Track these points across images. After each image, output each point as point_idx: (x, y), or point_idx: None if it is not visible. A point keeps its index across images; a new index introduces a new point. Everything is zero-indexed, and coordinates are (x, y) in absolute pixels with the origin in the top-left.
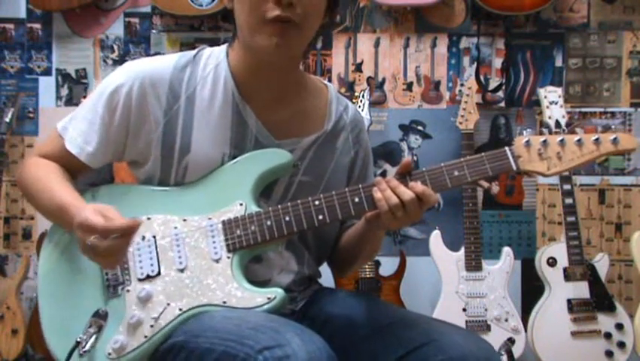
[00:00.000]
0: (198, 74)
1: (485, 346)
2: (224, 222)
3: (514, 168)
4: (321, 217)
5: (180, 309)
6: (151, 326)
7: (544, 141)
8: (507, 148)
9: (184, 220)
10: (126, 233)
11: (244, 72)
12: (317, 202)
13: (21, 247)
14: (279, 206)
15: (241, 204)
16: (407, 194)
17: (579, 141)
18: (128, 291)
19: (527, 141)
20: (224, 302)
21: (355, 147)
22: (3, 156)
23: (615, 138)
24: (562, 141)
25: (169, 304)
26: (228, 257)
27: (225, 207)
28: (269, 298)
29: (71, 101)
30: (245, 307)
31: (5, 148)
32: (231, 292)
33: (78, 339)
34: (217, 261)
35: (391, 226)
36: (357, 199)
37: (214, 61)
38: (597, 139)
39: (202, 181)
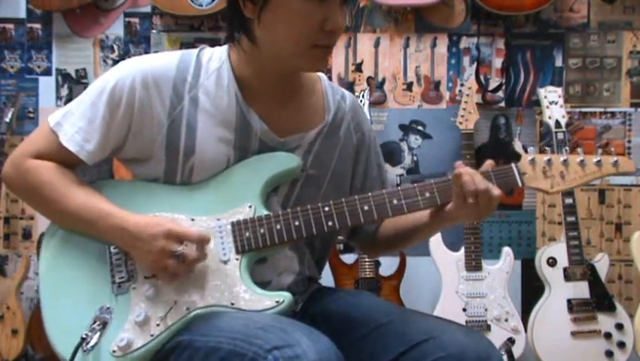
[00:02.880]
0: (201, 76)
1: (484, 342)
2: (232, 224)
3: (519, 184)
4: (330, 224)
5: (187, 308)
6: (157, 325)
7: (549, 160)
8: (513, 165)
9: (192, 220)
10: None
11: (248, 76)
12: (327, 208)
13: (21, 247)
14: (289, 210)
15: (250, 207)
16: (484, 183)
17: (582, 161)
18: (134, 288)
19: (532, 159)
20: (232, 304)
21: (356, 134)
22: (3, 156)
23: (616, 161)
24: (565, 161)
25: (175, 303)
26: (237, 259)
27: (234, 209)
28: (277, 302)
29: (71, 101)
30: (252, 310)
31: (5, 148)
32: (239, 294)
33: (83, 335)
34: (225, 262)
35: (457, 219)
36: (366, 207)
37: (216, 62)
38: (599, 161)
39: (211, 181)
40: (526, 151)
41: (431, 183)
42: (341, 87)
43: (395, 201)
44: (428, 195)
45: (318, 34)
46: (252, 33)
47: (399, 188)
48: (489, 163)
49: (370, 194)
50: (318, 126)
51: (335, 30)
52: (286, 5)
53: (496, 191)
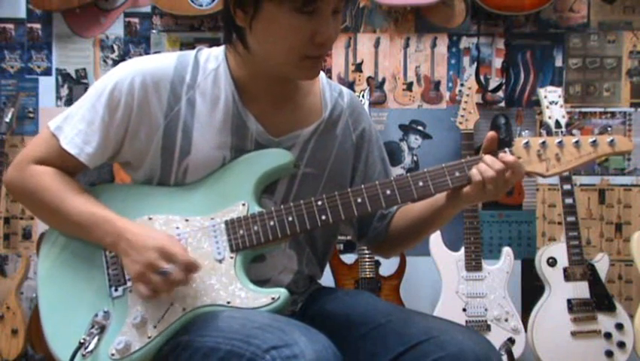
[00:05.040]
0: (199, 76)
1: (484, 343)
2: (226, 223)
3: None
4: (324, 217)
5: (183, 309)
6: (155, 327)
7: (543, 143)
8: (507, 149)
9: (186, 220)
10: (191, 271)
11: (245, 78)
12: (319, 203)
13: (21, 247)
14: (282, 206)
15: (243, 205)
16: (498, 164)
17: (577, 142)
18: (131, 291)
19: (526, 143)
20: (228, 302)
21: (355, 131)
22: (3, 156)
23: (612, 140)
24: (560, 142)
25: (172, 304)
26: (231, 257)
27: (227, 208)
28: (273, 299)
29: (71, 101)
30: (248, 308)
31: (5, 148)
32: (235, 292)
33: (81, 340)
34: (220, 261)
35: (474, 201)
36: (359, 200)
37: (213, 63)
38: (594, 141)
39: (204, 181)
40: (521, 135)
41: (424, 172)
42: (339, 85)
43: (389, 192)
44: (421, 184)
45: (308, 46)
46: (245, 39)
47: (392, 179)
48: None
49: (362, 186)
50: (314, 124)
51: (325, 42)
52: (275, 18)
53: (520, 168)
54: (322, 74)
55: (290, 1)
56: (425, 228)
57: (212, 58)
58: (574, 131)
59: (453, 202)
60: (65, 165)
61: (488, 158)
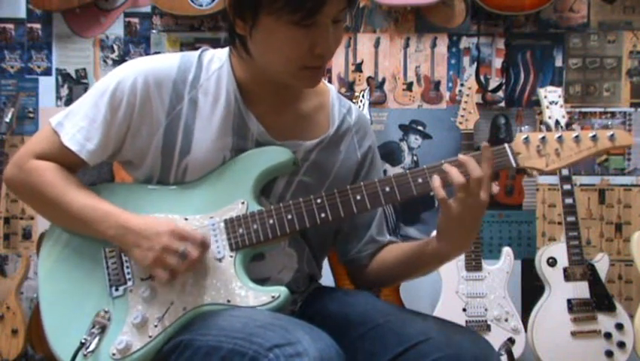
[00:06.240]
0: (201, 77)
1: (482, 343)
2: (226, 221)
3: (513, 164)
4: (323, 215)
5: (184, 308)
6: (155, 326)
7: (543, 138)
8: (506, 145)
9: (186, 219)
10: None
11: (247, 80)
12: (319, 200)
13: (21, 247)
14: (281, 204)
15: (242, 203)
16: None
17: (577, 137)
18: (131, 291)
19: (526, 138)
20: (228, 301)
21: (360, 149)
22: (3, 157)
23: (612, 135)
24: (560, 137)
25: (172, 304)
26: (231, 256)
27: (227, 206)
28: (273, 297)
29: (71, 101)
30: (249, 306)
31: (5, 148)
32: (235, 290)
33: (82, 340)
34: (220, 260)
35: (462, 218)
36: (359, 197)
37: (217, 63)
38: (594, 135)
39: (203, 180)
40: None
41: (423, 169)
42: (348, 100)
43: (388, 189)
44: (420, 180)
45: (308, 57)
46: (246, 46)
47: (392, 176)
48: (485, 146)
49: (362, 183)
50: (319, 137)
51: (325, 53)
52: (273, 30)
53: (472, 164)
54: (333, 88)
55: (288, 15)
56: (413, 266)
57: (216, 59)
58: (574, 125)
59: (441, 235)
60: (66, 161)
61: (446, 166)
